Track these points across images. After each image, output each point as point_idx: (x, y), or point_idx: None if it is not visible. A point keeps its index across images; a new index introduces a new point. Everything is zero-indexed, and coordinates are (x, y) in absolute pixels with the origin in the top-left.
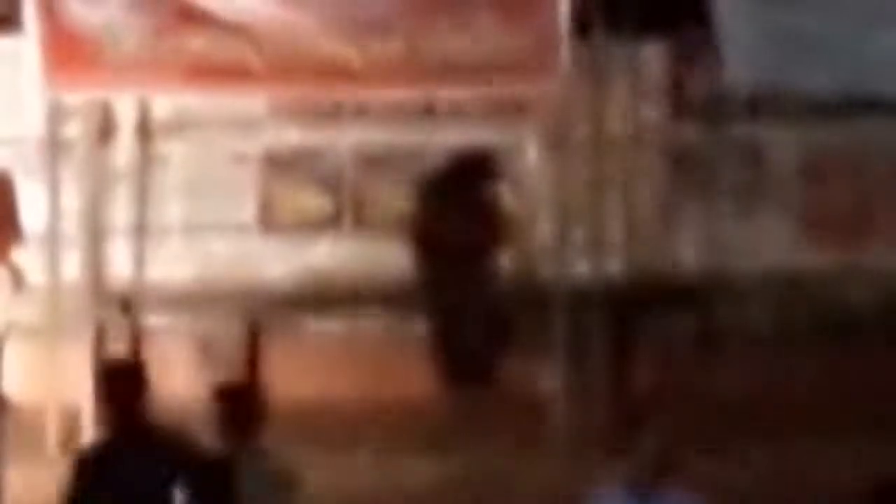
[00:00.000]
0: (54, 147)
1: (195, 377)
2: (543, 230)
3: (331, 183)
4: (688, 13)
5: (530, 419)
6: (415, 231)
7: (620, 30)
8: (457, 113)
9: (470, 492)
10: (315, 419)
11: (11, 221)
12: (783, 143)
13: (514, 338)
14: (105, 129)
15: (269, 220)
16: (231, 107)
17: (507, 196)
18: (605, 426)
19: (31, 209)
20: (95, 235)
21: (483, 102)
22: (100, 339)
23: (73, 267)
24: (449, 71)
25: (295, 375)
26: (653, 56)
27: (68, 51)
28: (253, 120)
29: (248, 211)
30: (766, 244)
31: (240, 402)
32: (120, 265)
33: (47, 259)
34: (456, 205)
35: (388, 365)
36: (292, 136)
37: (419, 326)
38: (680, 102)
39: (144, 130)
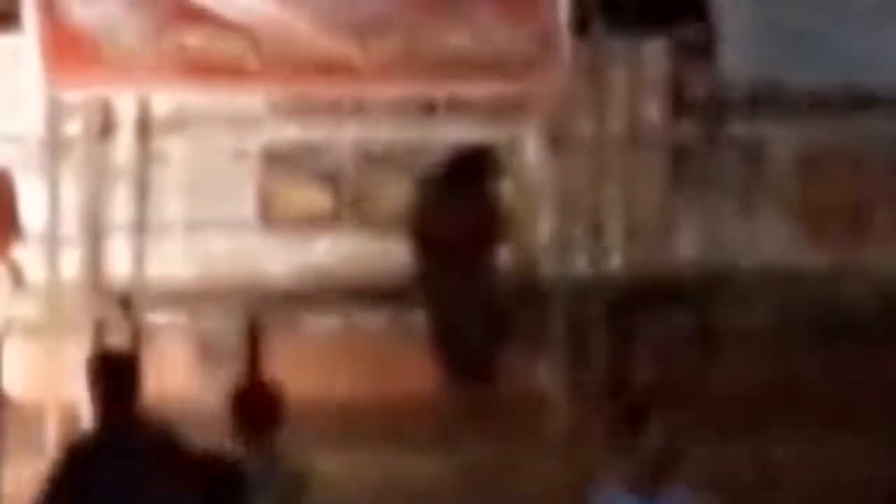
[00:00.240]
0: (54, 145)
1: (195, 374)
2: (543, 227)
3: (330, 179)
4: (687, 10)
5: (530, 415)
6: (414, 227)
7: (620, 27)
8: (456, 110)
9: (469, 488)
10: (314, 415)
11: (11, 219)
12: (783, 141)
13: (514, 334)
14: (105, 127)
15: (268, 217)
16: (231, 104)
17: (507, 193)
18: (605, 422)
19: (31, 207)
20: (95, 233)
21: (483, 99)
22: (100, 336)
23: (72, 264)
24: (449, 68)
25: (295, 372)
26: (653, 53)
27: (68, 49)
28: (252, 117)
29: (247, 208)
30: (766, 242)
31: (258, 401)
32: (120, 262)
33: (47, 256)
34: (456, 201)
35: (387, 361)
36: (292, 133)
37: (419, 323)
38: (680, 100)
39: (144, 128)
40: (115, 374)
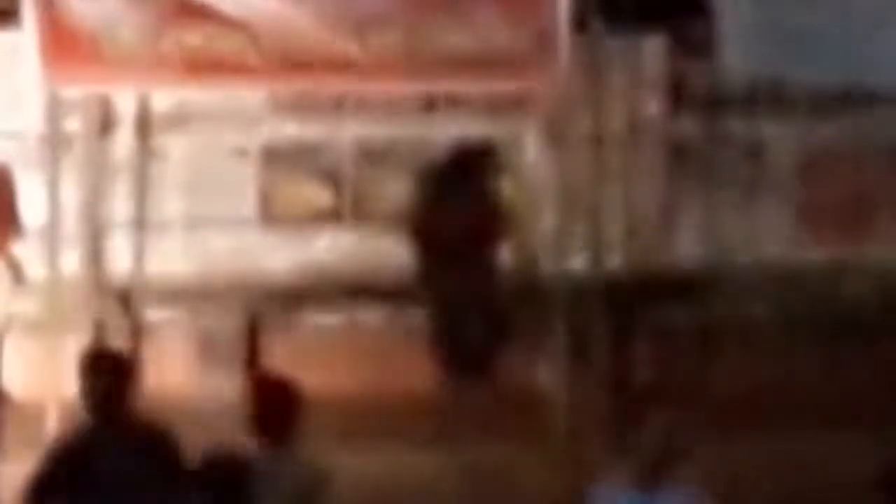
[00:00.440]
0: (54, 141)
1: (195, 371)
2: (543, 224)
3: (331, 177)
4: (686, 7)
5: (530, 413)
6: (415, 225)
7: (620, 24)
8: (457, 107)
9: (469, 485)
10: (314, 413)
11: (11, 215)
12: (782, 138)
13: (514, 331)
14: (105, 124)
15: (268, 214)
16: (231, 101)
17: (506, 190)
18: (605, 420)
19: (31, 203)
20: (95, 230)
21: (483, 97)
22: (99, 333)
23: (72, 261)
24: (449, 65)
25: (294, 370)
26: (652, 50)
27: (67, 45)
28: (252, 114)
29: (247, 205)
30: (766, 238)
31: (276, 396)
32: (120, 259)
33: (47, 253)
34: (456, 199)
35: (388, 358)
36: (292, 131)
37: (419, 320)
38: (679, 96)
39: (144, 125)
40: (105, 371)
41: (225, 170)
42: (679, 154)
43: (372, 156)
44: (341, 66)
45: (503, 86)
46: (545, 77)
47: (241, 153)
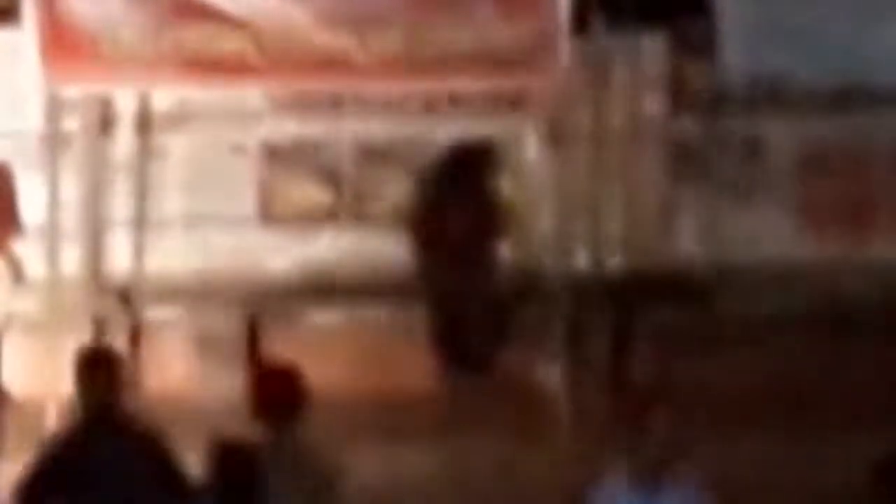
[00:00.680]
0: (54, 140)
1: (195, 369)
2: (543, 222)
3: (330, 175)
4: (687, 6)
5: (531, 410)
6: (414, 223)
7: (620, 23)
8: (456, 106)
9: (470, 482)
10: (315, 410)
11: (11, 214)
12: (782, 136)
13: (515, 329)
14: (104, 122)
15: (268, 213)
16: (230, 99)
17: (507, 189)
18: (605, 417)
19: (31, 202)
20: (95, 228)
21: (483, 95)
22: (99, 331)
23: (72, 259)
24: (449, 64)
25: None
26: (652, 49)
27: (67, 44)
28: (252, 112)
29: (247, 203)
30: (766, 236)
31: (280, 385)
32: (119, 258)
33: (47, 251)
34: (455, 197)
35: (388, 356)
36: (292, 129)
37: (419, 318)
38: (679, 95)
39: (144, 123)
40: (100, 370)
41: (225, 169)
42: (679, 152)
43: (372, 155)
44: (341, 65)
45: (503, 84)
46: (545, 76)
47: (241, 152)
